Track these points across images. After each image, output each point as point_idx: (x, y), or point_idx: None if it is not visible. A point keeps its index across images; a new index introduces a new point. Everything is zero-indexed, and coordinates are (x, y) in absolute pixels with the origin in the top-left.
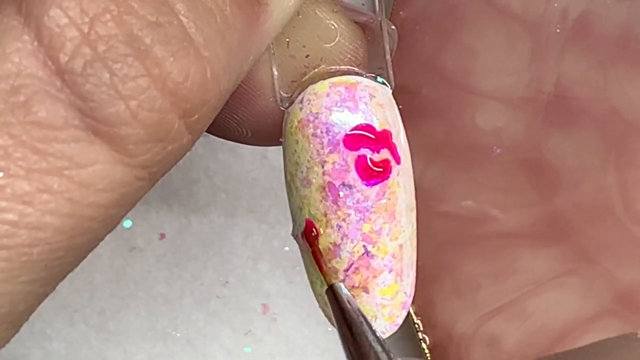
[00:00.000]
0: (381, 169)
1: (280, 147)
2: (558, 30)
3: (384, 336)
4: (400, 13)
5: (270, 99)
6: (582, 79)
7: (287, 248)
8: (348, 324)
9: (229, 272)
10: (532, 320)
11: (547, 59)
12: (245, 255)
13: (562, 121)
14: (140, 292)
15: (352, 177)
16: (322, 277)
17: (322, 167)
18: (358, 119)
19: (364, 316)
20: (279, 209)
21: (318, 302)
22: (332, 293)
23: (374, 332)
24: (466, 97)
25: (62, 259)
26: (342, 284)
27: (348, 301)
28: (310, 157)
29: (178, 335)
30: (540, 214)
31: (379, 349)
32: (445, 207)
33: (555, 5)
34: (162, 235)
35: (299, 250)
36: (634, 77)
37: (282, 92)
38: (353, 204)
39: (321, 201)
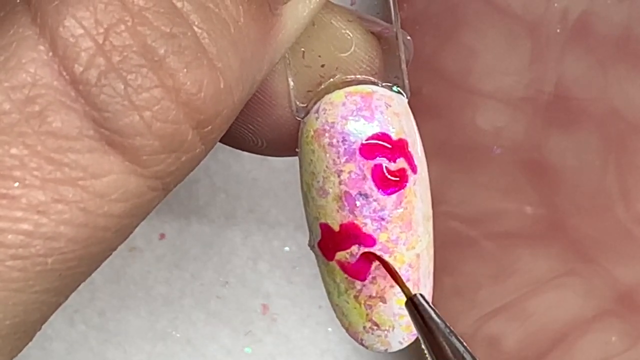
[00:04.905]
0: (397, 178)
1: None
2: (558, 30)
3: (402, 346)
4: (400, 13)
5: (286, 109)
6: (583, 79)
7: (287, 248)
8: (434, 336)
9: (229, 272)
10: (532, 320)
11: (547, 59)
12: (245, 255)
13: (562, 121)
14: (140, 292)
15: (369, 186)
16: (402, 291)
17: (339, 176)
18: (374, 128)
19: (449, 327)
20: (279, 209)
21: (335, 312)
22: (414, 305)
23: (462, 342)
24: (466, 97)
25: (76, 269)
26: (421, 295)
27: (433, 311)
28: (327, 167)
29: (178, 335)
30: (540, 214)
31: (469, 358)
32: (445, 207)
33: (556, 5)
34: (162, 236)
35: (299, 251)
36: (634, 77)
37: (297, 102)
38: (370, 213)
39: (338, 211)
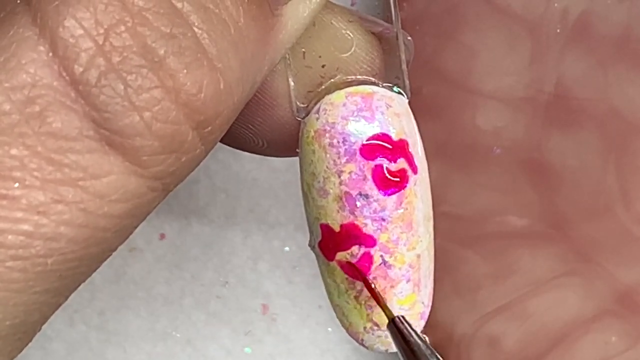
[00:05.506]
0: (398, 179)
1: None
2: (558, 30)
3: None
4: (400, 13)
5: (287, 110)
6: (583, 79)
7: (287, 248)
8: (416, 357)
9: (229, 272)
10: (532, 320)
11: (547, 59)
12: (245, 255)
13: (562, 121)
14: (140, 292)
15: (369, 186)
16: (384, 312)
17: (339, 177)
18: (374, 129)
19: (430, 347)
20: (279, 209)
21: (335, 312)
22: (395, 327)
23: None
24: (466, 97)
25: (76, 269)
26: (402, 317)
27: (413, 333)
28: (327, 167)
29: (178, 335)
30: (540, 214)
31: None
32: (445, 207)
33: (556, 5)
34: (162, 236)
35: (299, 251)
36: (634, 77)
37: (298, 103)
38: (370, 213)
39: (338, 211)
